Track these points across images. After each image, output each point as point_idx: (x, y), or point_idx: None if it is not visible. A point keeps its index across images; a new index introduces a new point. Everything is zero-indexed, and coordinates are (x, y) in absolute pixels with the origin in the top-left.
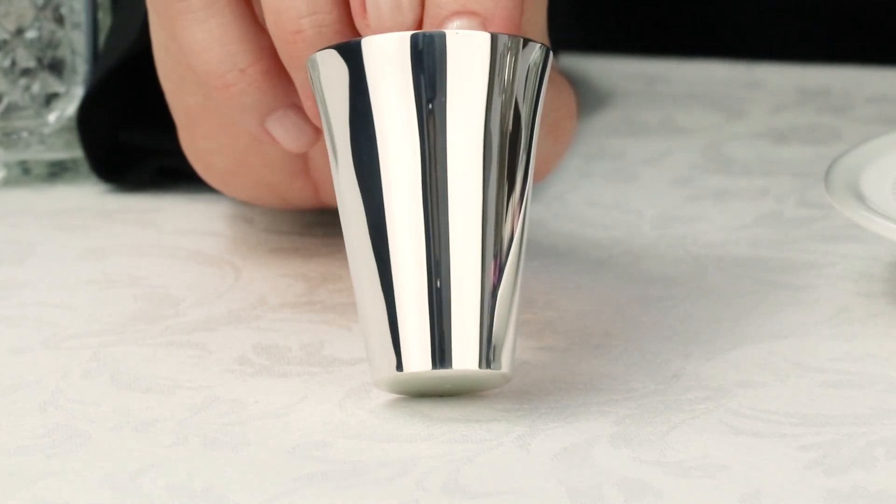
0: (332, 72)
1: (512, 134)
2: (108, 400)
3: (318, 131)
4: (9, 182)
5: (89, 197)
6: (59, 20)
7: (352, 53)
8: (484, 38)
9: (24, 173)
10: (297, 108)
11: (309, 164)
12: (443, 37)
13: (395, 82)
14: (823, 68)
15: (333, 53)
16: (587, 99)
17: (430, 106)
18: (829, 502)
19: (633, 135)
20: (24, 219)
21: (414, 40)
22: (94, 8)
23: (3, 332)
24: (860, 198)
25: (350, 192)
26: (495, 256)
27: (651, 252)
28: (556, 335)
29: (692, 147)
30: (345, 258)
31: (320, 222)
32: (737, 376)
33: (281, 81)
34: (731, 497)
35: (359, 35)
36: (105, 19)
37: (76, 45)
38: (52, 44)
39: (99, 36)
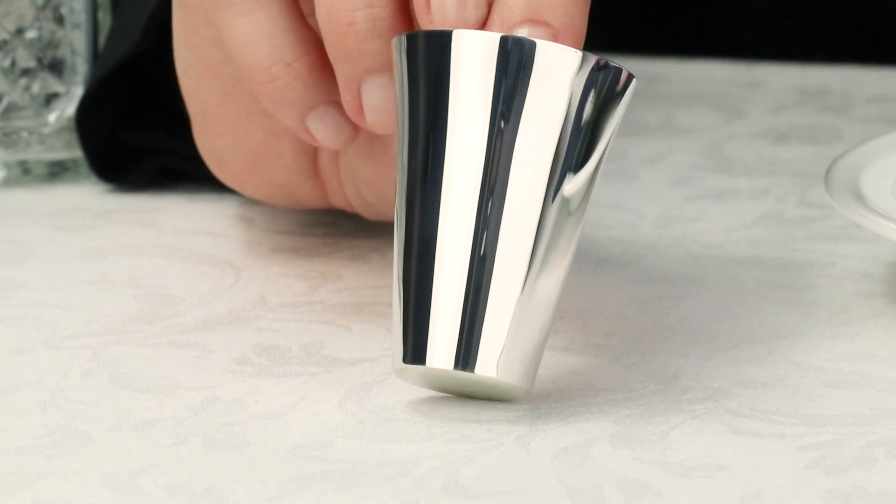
0: (418, 55)
1: (582, 156)
2: (108, 400)
3: (356, 129)
4: (9, 182)
5: (89, 197)
6: (59, 20)
7: (442, 42)
8: (574, 56)
9: (24, 173)
10: (338, 104)
11: (319, 166)
12: (533, 45)
13: (477, 80)
14: (823, 68)
15: (423, 37)
16: None
17: (507, 111)
18: (829, 502)
19: (633, 135)
20: (24, 219)
21: (503, 42)
22: (94, 8)
23: (3, 332)
24: (860, 198)
25: (412, 177)
26: (540, 273)
27: (651, 252)
28: (556, 335)
29: (692, 147)
30: (345, 258)
31: (320, 222)
32: (737, 376)
33: (325, 77)
34: (731, 497)
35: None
36: (105, 19)
37: (76, 45)
38: (52, 44)
39: (99, 36)
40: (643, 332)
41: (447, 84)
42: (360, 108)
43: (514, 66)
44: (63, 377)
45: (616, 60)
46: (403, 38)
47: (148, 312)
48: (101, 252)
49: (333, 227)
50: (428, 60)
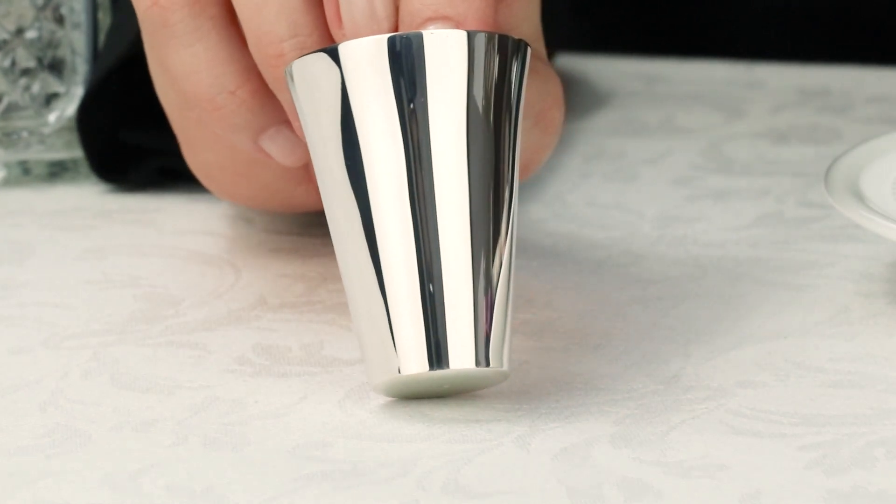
0: (311, 78)
1: (495, 130)
2: (108, 400)
3: None
4: (9, 182)
5: (89, 197)
6: (59, 20)
7: (330, 58)
8: (460, 37)
9: (24, 173)
10: (289, 123)
11: (311, 171)
12: (420, 37)
13: (374, 85)
14: (823, 68)
15: (312, 60)
16: (587, 99)
17: (412, 107)
18: (829, 502)
19: (633, 135)
20: (24, 219)
21: (391, 42)
22: (94, 8)
23: (3, 332)
24: (860, 198)
25: (337, 198)
26: (486, 254)
27: (651, 252)
28: (556, 335)
29: (692, 147)
30: None
31: (320, 222)
32: (737, 376)
33: (270, 100)
34: (731, 497)
35: None
36: (105, 19)
37: (76, 45)
38: (52, 44)
39: (99, 36)
40: (643, 332)
41: (347, 95)
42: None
43: (407, 61)
44: (63, 377)
45: (616, 60)
46: (291, 67)
47: (148, 312)
48: (101, 252)
49: None
50: (322, 78)
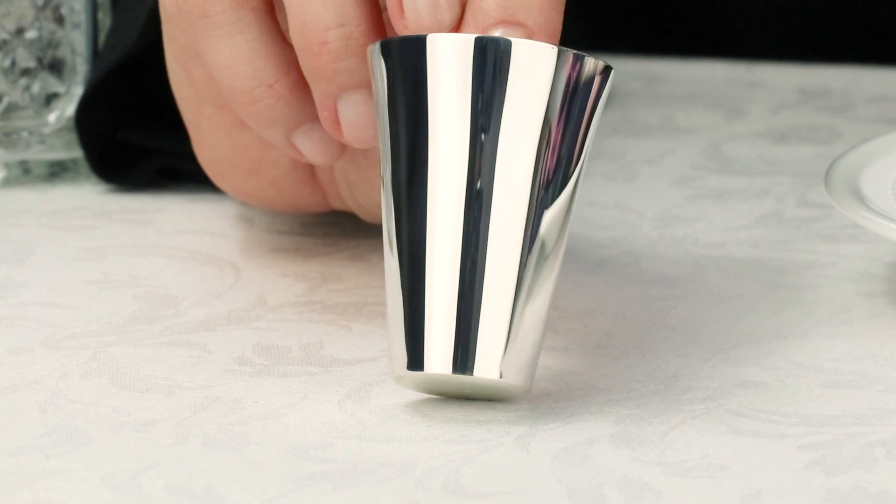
0: (394, 61)
1: (565, 152)
2: (108, 400)
3: (343, 144)
4: (9, 182)
5: (89, 197)
6: (59, 20)
7: (417, 47)
8: (550, 52)
9: (24, 173)
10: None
11: (316, 171)
12: (508, 44)
13: (454, 83)
14: (823, 68)
15: (398, 43)
16: None
17: (487, 112)
18: (829, 502)
19: (633, 135)
20: (24, 219)
21: (479, 43)
22: (94, 8)
23: (3, 332)
24: (860, 198)
25: (397, 185)
26: (532, 272)
27: (651, 252)
28: (556, 335)
29: (692, 147)
30: (345, 258)
31: (320, 222)
32: (737, 376)
33: (308, 95)
34: (731, 497)
35: None
36: (105, 19)
37: (76, 45)
38: (52, 44)
39: (99, 36)
40: (643, 332)
41: (425, 89)
42: (337, 124)
43: (490, 66)
44: (63, 377)
45: (616, 60)
46: (378, 46)
47: (148, 312)
48: (101, 252)
49: (333, 227)
50: (404, 66)
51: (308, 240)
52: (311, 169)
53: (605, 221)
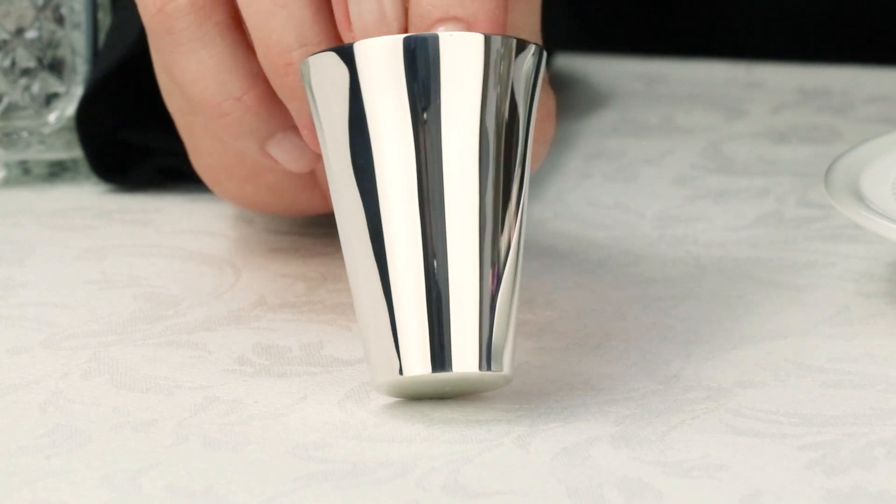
0: (325, 76)
1: (507, 136)
2: (107, 400)
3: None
4: (9, 182)
5: (89, 197)
6: (59, 20)
7: (345, 57)
8: (477, 40)
9: (24, 173)
10: (296, 129)
11: (316, 175)
12: (436, 39)
13: (389, 85)
14: (823, 68)
15: (326, 57)
16: (587, 99)
17: (425, 109)
18: (829, 502)
19: (633, 135)
20: (24, 219)
21: (407, 42)
22: (94, 8)
23: (3, 332)
24: (860, 198)
25: (347, 197)
26: (493, 258)
27: (651, 252)
28: (556, 335)
29: (692, 147)
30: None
31: (320, 222)
32: (737, 376)
33: (277, 105)
34: (731, 497)
35: None
36: (105, 19)
37: (76, 45)
38: (52, 44)
39: (99, 36)
40: (643, 332)
41: (360, 95)
42: (317, 140)
43: (422, 63)
44: (63, 377)
45: (616, 60)
46: (307, 63)
47: (148, 312)
48: (101, 252)
49: (333, 227)
50: (336, 77)
51: (308, 240)
52: (309, 173)
53: (605, 221)
